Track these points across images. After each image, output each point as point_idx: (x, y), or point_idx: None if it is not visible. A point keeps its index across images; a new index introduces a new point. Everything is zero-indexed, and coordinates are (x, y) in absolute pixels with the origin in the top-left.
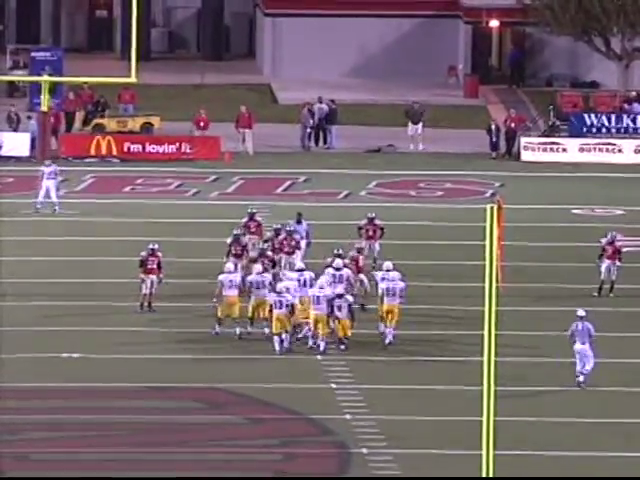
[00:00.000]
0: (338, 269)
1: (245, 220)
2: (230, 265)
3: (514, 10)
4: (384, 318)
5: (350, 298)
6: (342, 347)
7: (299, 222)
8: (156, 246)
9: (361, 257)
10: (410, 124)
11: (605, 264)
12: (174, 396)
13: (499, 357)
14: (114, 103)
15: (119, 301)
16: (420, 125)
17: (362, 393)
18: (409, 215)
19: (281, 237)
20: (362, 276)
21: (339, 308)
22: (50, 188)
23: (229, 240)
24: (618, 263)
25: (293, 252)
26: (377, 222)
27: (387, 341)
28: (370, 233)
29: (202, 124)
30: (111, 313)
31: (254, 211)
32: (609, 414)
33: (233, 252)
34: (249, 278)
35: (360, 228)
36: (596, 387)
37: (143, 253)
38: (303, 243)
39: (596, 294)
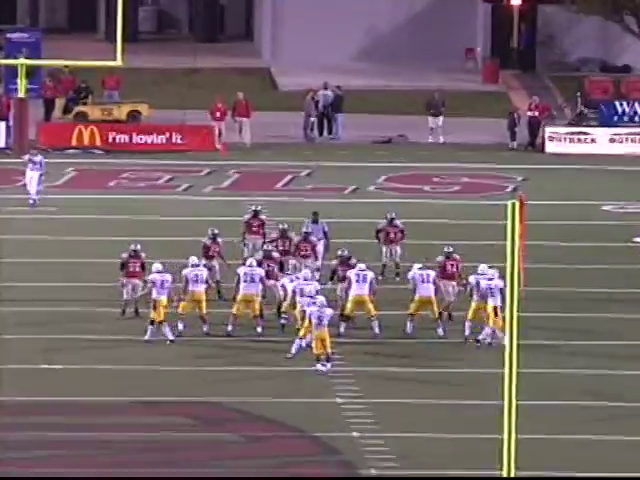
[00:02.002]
0: (362, 270)
1: (247, 217)
2: (194, 258)
3: None
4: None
5: (329, 311)
6: (325, 366)
7: (315, 222)
8: (138, 247)
9: (449, 263)
10: (430, 118)
11: None
12: (164, 412)
13: (522, 368)
14: (98, 89)
15: (103, 307)
16: (441, 117)
17: (370, 408)
18: (422, 212)
19: (297, 239)
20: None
21: (319, 319)
22: (33, 179)
23: (206, 240)
24: None
25: (309, 256)
26: (397, 223)
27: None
28: (391, 236)
29: (219, 114)
30: (95, 320)
31: (258, 209)
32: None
33: (211, 253)
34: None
35: (379, 231)
36: (626, 402)
37: (124, 255)
38: (321, 244)
39: None
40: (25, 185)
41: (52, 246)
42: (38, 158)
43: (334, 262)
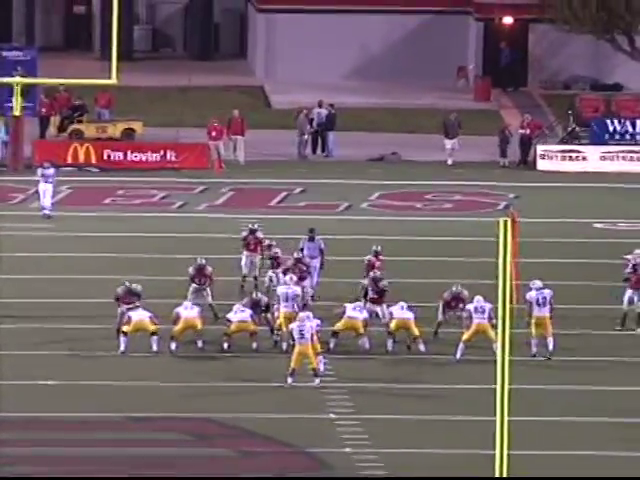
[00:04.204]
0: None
1: (245, 234)
2: (187, 303)
3: (530, 6)
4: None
5: (313, 325)
6: (316, 381)
7: (312, 239)
8: (135, 286)
9: (453, 303)
10: (446, 139)
11: (628, 293)
12: (159, 427)
13: (513, 384)
14: (92, 107)
15: (97, 323)
16: (456, 139)
17: (364, 424)
18: (415, 229)
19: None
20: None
21: (300, 333)
22: (47, 192)
23: (191, 270)
24: None
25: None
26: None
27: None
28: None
29: (214, 134)
30: (89, 337)
31: (255, 227)
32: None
33: (197, 283)
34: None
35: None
36: (622, 418)
37: (119, 290)
38: (317, 263)
39: (618, 328)
40: (38, 197)
41: (48, 263)
42: (51, 171)
43: (365, 281)
